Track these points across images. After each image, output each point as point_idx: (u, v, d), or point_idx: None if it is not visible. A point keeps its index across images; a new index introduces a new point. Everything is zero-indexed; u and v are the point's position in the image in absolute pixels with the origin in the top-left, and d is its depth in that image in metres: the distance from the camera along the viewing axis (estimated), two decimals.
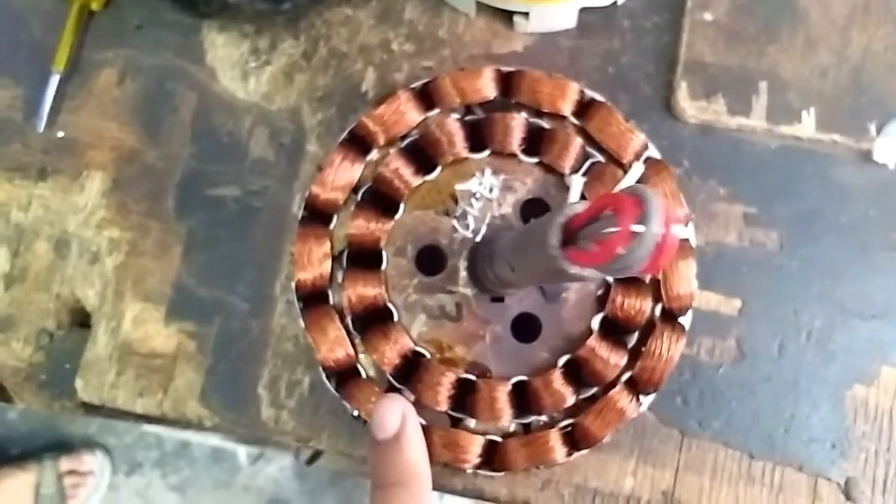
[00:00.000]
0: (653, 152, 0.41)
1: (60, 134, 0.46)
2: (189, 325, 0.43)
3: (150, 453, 1.31)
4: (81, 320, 0.44)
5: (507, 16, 0.45)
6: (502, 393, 0.38)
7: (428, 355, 0.39)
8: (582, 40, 0.45)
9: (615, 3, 0.45)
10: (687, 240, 0.40)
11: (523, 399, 0.39)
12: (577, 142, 0.41)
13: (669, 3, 0.45)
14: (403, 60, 0.46)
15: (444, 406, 0.38)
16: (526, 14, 0.44)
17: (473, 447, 0.38)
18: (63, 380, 0.43)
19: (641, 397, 0.39)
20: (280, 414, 0.41)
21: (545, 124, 0.41)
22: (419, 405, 0.38)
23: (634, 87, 0.44)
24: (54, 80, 0.46)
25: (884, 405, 0.40)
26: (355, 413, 0.39)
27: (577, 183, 0.39)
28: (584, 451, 0.39)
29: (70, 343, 0.44)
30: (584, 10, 0.45)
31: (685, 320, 0.39)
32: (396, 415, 0.35)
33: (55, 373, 0.44)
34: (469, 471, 0.39)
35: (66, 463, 1.23)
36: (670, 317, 0.39)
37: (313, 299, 0.40)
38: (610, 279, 0.39)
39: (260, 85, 0.46)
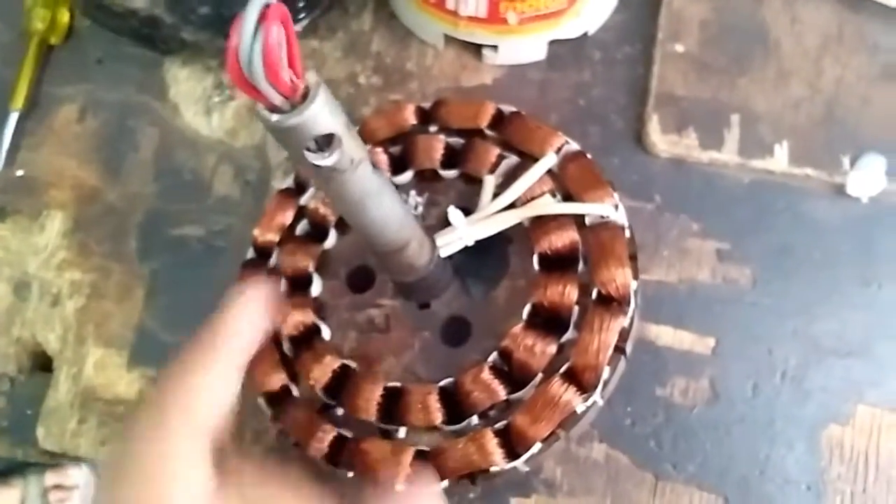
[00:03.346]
0: (573, 147, 0.40)
1: (20, 172, 0.45)
2: (152, 371, 0.42)
3: None
4: (43, 364, 0.43)
5: (475, 48, 0.44)
6: (433, 394, 0.37)
7: (356, 367, 0.39)
8: (552, 73, 0.44)
9: (585, 34, 0.44)
10: (615, 222, 0.38)
11: (454, 400, 0.38)
12: (495, 150, 0.40)
13: (640, 33, 0.44)
14: (371, 94, 0.45)
15: (373, 416, 0.37)
16: (495, 47, 0.43)
17: (403, 456, 0.37)
18: (25, 426, 0.42)
19: (582, 393, 0.36)
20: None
21: (463, 140, 0.41)
22: (352, 419, 0.38)
23: (605, 119, 0.44)
24: (13, 119, 0.45)
25: (859, 446, 0.39)
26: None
27: (489, 183, 0.39)
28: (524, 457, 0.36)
29: (31, 388, 0.43)
30: (553, 42, 0.44)
31: (625, 302, 0.36)
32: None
33: (17, 419, 0.43)
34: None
35: (51, 477, 1.22)
36: (604, 299, 0.38)
37: None
38: (536, 267, 0.38)
39: (224, 120, 0.45)
